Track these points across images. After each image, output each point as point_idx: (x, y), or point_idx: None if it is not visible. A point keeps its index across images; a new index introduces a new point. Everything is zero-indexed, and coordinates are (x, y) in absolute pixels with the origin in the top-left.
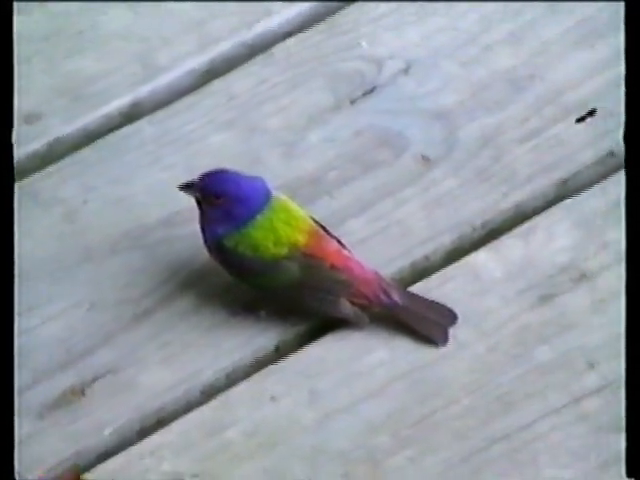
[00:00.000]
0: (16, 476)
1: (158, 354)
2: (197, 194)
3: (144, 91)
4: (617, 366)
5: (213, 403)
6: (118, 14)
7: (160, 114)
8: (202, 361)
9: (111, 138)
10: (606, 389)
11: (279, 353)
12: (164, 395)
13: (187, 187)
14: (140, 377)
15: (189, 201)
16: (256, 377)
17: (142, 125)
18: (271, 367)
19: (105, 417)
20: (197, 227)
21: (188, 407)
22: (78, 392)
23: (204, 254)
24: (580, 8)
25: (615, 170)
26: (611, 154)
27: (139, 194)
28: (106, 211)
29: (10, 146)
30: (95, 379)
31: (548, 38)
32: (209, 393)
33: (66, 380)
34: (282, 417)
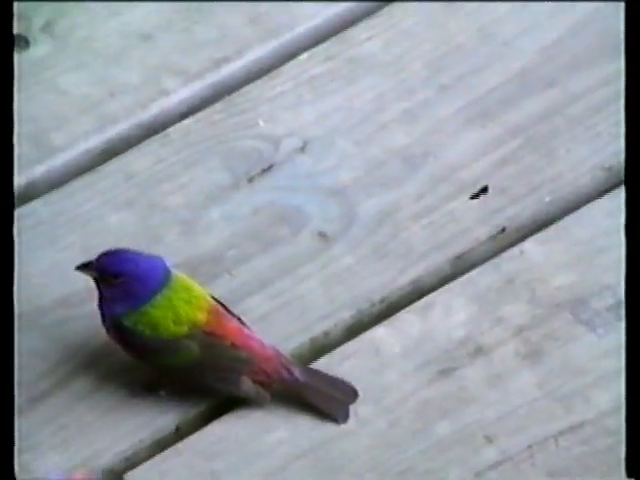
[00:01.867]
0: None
1: (53, 439)
2: (95, 274)
3: (39, 171)
4: (515, 440)
5: None
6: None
7: (55, 194)
8: (100, 444)
9: None
10: (505, 463)
11: (179, 434)
12: None
13: (84, 267)
14: (35, 463)
15: (87, 281)
16: (156, 459)
17: (37, 206)
18: (171, 448)
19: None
20: (95, 307)
21: None
22: None
23: (102, 334)
24: (472, 89)
25: (507, 246)
26: (502, 230)
27: (35, 275)
28: None
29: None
30: None
31: (441, 117)
32: (107, 478)
33: None
34: None
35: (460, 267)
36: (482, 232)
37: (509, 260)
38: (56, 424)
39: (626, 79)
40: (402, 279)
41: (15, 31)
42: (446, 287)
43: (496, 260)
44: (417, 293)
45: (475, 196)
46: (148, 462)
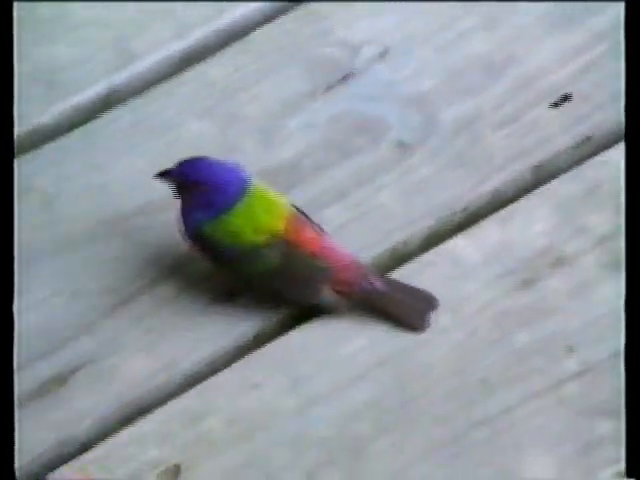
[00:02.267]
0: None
1: (138, 342)
2: (175, 182)
3: (120, 78)
4: (596, 350)
5: (194, 391)
6: (89, 1)
7: (136, 101)
8: (182, 349)
9: (88, 126)
10: (586, 373)
11: (260, 341)
12: (145, 384)
13: (165, 175)
14: (121, 366)
15: (167, 189)
16: (237, 365)
17: (118, 112)
18: (252, 355)
19: (86, 406)
20: (174, 215)
21: (169, 396)
22: (59, 381)
23: (183, 242)
24: None
25: (591, 155)
26: (587, 139)
27: (117, 182)
28: (84, 199)
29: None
30: (76, 368)
31: (523, 23)
32: (190, 381)
33: (47, 369)
34: (263, 405)
35: (542, 176)
36: (564, 140)
37: (593, 169)
38: (140, 328)
39: (626, 81)
40: (482, 188)
41: None
42: (527, 196)
43: (579, 169)
44: (497, 202)
45: (558, 104)
46: (229, 368)
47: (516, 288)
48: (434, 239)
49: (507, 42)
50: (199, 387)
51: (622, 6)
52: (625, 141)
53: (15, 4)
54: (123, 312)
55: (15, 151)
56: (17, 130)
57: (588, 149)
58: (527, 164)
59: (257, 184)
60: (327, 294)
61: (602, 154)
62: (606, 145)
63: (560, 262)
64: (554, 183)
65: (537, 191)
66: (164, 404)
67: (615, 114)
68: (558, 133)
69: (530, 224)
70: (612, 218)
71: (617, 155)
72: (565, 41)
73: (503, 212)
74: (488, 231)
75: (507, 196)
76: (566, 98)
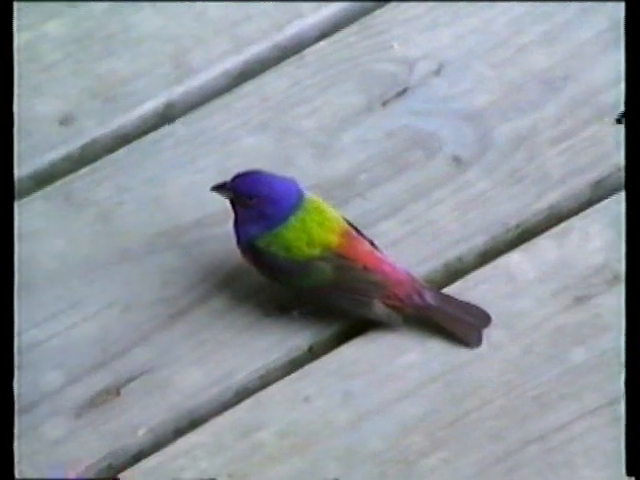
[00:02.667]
0: (16, 474)
1: (193, 354)
2: (230, 195)
3: (178, 92)
4: None
5: (247, 404)
6: (148, 16)
7: (194, 115)
8: (236, 361)
9: (145, 139)
10: None
11: (312, 354)
12: (198, 395)
13: (220, 188)
14: (174, 377)
15: (223, 202)
16: (289, 378)
17: (176, 126)
18: (304, 368)
19: (140, 417)
20: (231, 228)
21: (222, 407)
22: (113, 392)
23: (238, 255)
24: (613, 9)
25: None
26: None
27: (173, 195)
28: (141, 212)
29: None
30: (130, 379)
31: (582, 40)
32: (243, 394)
33: (101, 380)
34: (315, 418)
35: (599, 193)
36: (622, 157)
37: None
38: (194, 340)
39: (626, 82)
40: (538, 204)
41: None
42: (584, 213)
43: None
44: (554, 218)
45: (619, 120)
46: (282, 381)
47: (571, 305)
48: (489, 255)
49: (565, 58)
50: (252, 400)
51: None
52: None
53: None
54: (178, 324)
55: (73, 165)
56: (75, 144)
57: None
58: (584, 181)
59: (311, 198)
60: (380, 308)
61: None
62: None
63: (616, 279)
64: (611, 200)
65: (594, 208)
66: (217, 416)
67: None
68: (615, 150)
69: (586, 241)
70: None
71: None
72: (623, 59)
73: (559, 229)
74: (543, 248)
75: (563, 213)
76: (624, 115)
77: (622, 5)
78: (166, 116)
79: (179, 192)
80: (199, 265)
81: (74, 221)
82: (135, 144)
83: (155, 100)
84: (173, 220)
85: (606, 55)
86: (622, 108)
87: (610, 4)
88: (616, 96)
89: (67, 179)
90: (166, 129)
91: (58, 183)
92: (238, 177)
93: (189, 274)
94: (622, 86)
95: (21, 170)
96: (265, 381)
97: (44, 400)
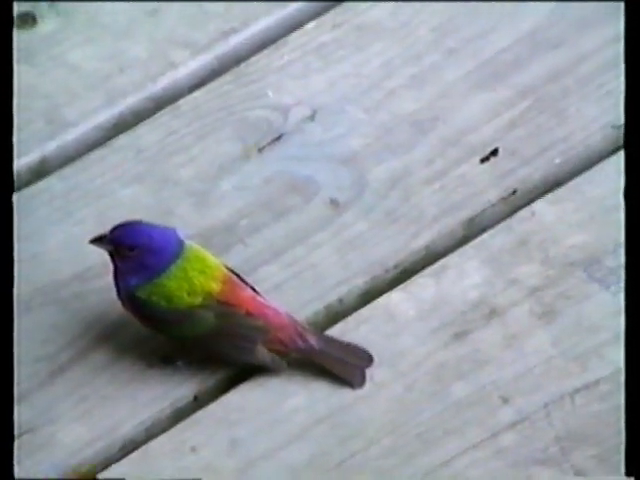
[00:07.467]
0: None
1: (75, 410)
2: (109, 247)
3: (51, 147)
4: (531, 400)
5: (133, 457)
6: (19, 71)
7: (69, 169)
8: (120, 415)
9: (20, 195)
10: (521, 423)
11: (198, 403)
12: (83, 451)
13: (99, 240)
14: (58, 435)
15: (102, 255)
16: (175, 428)
17: (51, 181)
18: (190, 417)
19: (23, 477)
20: (111, 280)
21: (108, 462)
22: None
23: (119, 307)
24: (480, 51)
25: (519, 207)
26: (513, 192)
27: (51, 250)
28: (18, 268)
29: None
30: (15, 437)
31: (449, 81)
32: (129, 447)
33: None
34: (203, 467)
35: (472, 230)
36: (493, 194)
37: (521, 221)
38: (77, 396)
39: (626, 79)
40: (415, 244)
41: (22, 9)
42: (459, 250)
43: (508, 222)
44: (430, 257)
45: (485, 159)
46: (168, 432)
47: (451, 341)
48: (369, 296)
49: (434, 100)
50: (138, 452)
51: (547, 61)
52: (625, 150)
53: None
54: (58, 381)
55: None
56: None
57: (515, 202)
58: (457, 219)
59: (191, 246)
60: (264, 354)
61: (529, 207)
62: (532, 198)
63: (493, 314)
64: (484, 236)
65: (468, 245)
66: (103, 471)
67: (541, 167)
68: (487, 187)
69: (462, 278)
70: (541, 269)
71: (543, 207)
72: (490, 98)
73: (436, 267)
74: (422, 286)
75: (439, 251)
76: (494, 152)
77: (487, 48)
78: (41, 171)
79: (57, 247)
80: (79, 319)
81: None
82: None
83: (29, 156)
84: (51, 275)
85: (474, 94)
86: (490, 147)
87: (477, 42)
88: (484, 135)
89: None
90: (41, 184)
91: None
92: (117, 228)
93: (69, 329)
94: (489, 125)
95: None
96: (151, 433)
97: None
